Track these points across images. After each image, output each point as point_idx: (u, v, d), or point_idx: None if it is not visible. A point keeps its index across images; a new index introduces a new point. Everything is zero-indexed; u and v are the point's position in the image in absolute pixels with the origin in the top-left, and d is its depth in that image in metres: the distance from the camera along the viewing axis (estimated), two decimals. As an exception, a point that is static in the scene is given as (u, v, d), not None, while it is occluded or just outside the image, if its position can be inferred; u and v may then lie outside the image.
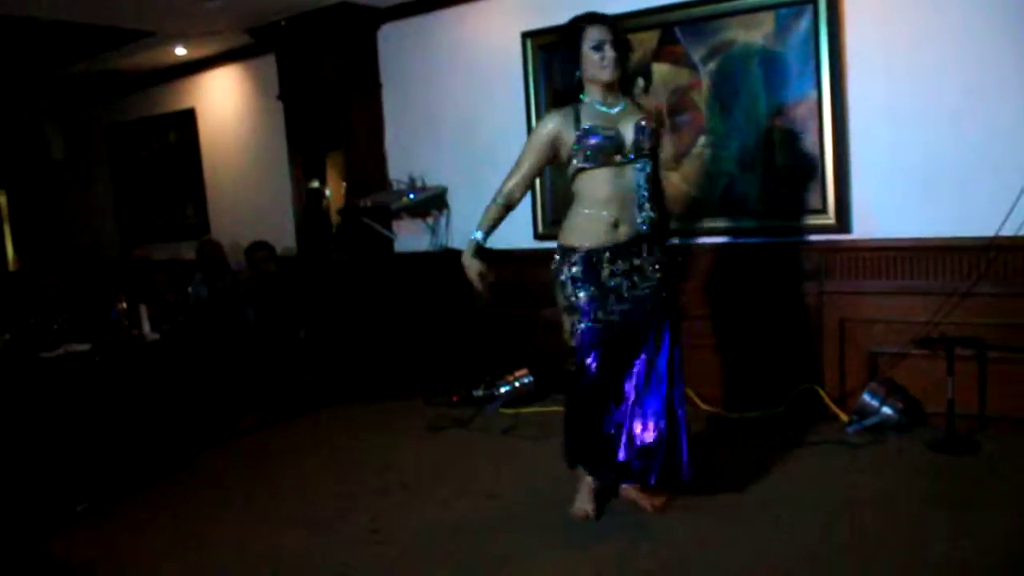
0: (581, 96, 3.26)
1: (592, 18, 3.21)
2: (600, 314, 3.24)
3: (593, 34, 3.16)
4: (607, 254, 3.23)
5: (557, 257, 3.32)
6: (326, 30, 6.06)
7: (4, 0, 5.12)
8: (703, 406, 4.83)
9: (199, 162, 7.74)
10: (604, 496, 3.52)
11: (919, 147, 4.23)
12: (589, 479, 3.44)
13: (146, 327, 5.08)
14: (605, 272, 3.24)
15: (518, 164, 3.30)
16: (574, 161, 3.22)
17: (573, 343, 3.31)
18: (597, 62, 3.17)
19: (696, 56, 4.80)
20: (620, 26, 3.24)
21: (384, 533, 3.51)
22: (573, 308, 3.28)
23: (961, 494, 3.43)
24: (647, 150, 3.25)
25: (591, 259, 3.23)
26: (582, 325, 3.26)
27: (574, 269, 3.25)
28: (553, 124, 3.23)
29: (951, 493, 3.44)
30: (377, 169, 6.25)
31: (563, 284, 3.29)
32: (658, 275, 3.30)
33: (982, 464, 3.74)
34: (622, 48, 3.20)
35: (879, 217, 4.39)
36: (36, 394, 4.32)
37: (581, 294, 3.25)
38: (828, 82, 4.39)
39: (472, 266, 3.30)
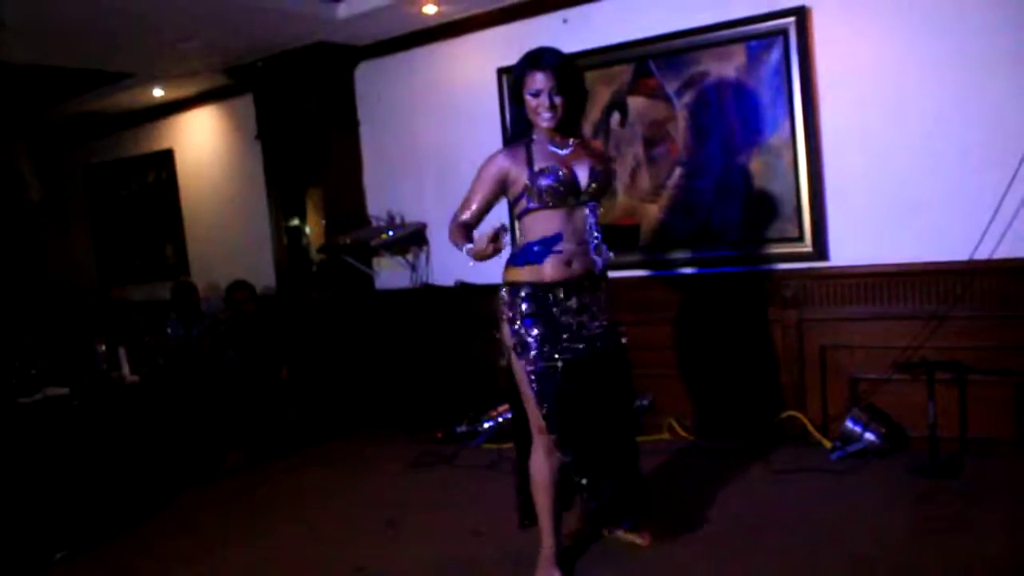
0: (533, 135, 3.15)
1: (535, 61, 3.07)
2: (554, 354, 3.06)
3: (533, 81, 3.05)
4: (561, 291, 3.08)
5: (504, 293, 3.14)
6: (303, 69, 6.09)
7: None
8: (686, 436, 4.83)
9: (177, 202, 7.72)
10: (580, 547, 3.43)
11: (892, 173, 4.29)
12: (550, 545, 3.22)
13: (125, 369, 5.04)
14: (558, 309, 3.08)
15: (468, 200, 3.14)
16: (523, 201, 3.09)
17: (530, 388, 3.08)
18: (534, 109, 3.06)
19: (671, 89, 4.86)
20: (570, 66, 3.11)
21: (369, 572, 3.48)
22: (524, 346, 3.07)
23: (946, 518, 3.43)
24: (599, 193, 3.18)
25: (544, 295, 3.08)
26: (533, 366, 3.06)
27: (525, 305, 3.07)
28: (503, 161, 3.10)
29: (936, 517, 3.45)
30: (356, 206, 6.27)
31: (512, 320, 3.09)
32: (608, 314, 3.21)
33: (965, 487, 3.75)
34: (570, 91, 3.08)
35: (856, 244, 4.44)
36: (14, 440, 4.26)
37: (534, 331, 3.06)
38: (801, 111, 4.45)
39: (480, 242, 2.88)
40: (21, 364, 4.99)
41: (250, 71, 6.34)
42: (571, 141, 3.18)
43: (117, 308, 6.55)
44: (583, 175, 3.11)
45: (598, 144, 3.35)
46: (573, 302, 3.11)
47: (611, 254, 3.22)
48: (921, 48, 4.17)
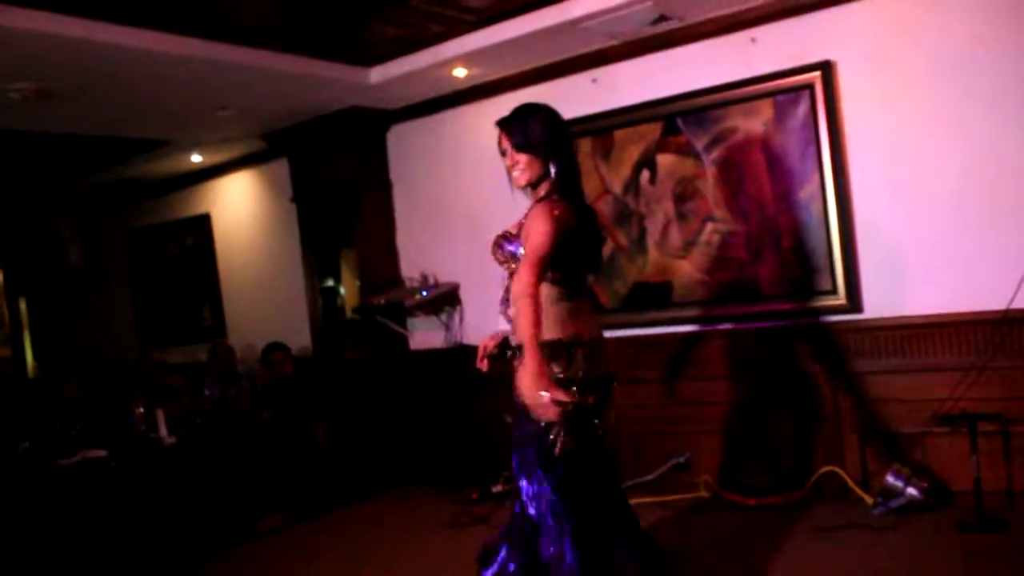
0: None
1: (499, 122, 2.92)
2: (599, 423, 2.75)
3: (499, 140, 2.89)
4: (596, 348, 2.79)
5: (565, 351, 2.70)
6: (337, 133, 6.21)
7: (20, 116, 5.28)
8: (724, 494, 4.76)
9: (215, 265, 7.84)
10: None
11: (924, 224, 4.28)
12: None
13: (163, 431, 5.09)
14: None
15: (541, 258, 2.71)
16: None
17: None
18: (507, 169, 2.89)
19: (699, 145, 4.89)
20: (524, 123, 2.90)
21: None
22: (581, 413, 2.66)
23: (995, 575, 3.34)
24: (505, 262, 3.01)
25: (596, 352, 2.77)
26: (573, 441, 2.63)
27: (586, 364, 2.69)
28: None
29: (984, 574, 3.36)
30: (389, 267, 6.33)
31: (568, 382, 2.62)
32: None
33: (1013, 543, 3.65)
34: (529, 148, 2.83)
35: (889, 295, 4.40)
36: (53, 502, 4.31)
37: (591, 395, 2.68)
38: (830, 164, 4.46)
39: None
40: (61, 426, 5.06)
41: (285, 136, 6.47)
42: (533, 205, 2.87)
43: (156, 370, 6.64)
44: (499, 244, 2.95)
45: (541, 206, 2.81)
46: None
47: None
48: (948, 98, 4.18)
